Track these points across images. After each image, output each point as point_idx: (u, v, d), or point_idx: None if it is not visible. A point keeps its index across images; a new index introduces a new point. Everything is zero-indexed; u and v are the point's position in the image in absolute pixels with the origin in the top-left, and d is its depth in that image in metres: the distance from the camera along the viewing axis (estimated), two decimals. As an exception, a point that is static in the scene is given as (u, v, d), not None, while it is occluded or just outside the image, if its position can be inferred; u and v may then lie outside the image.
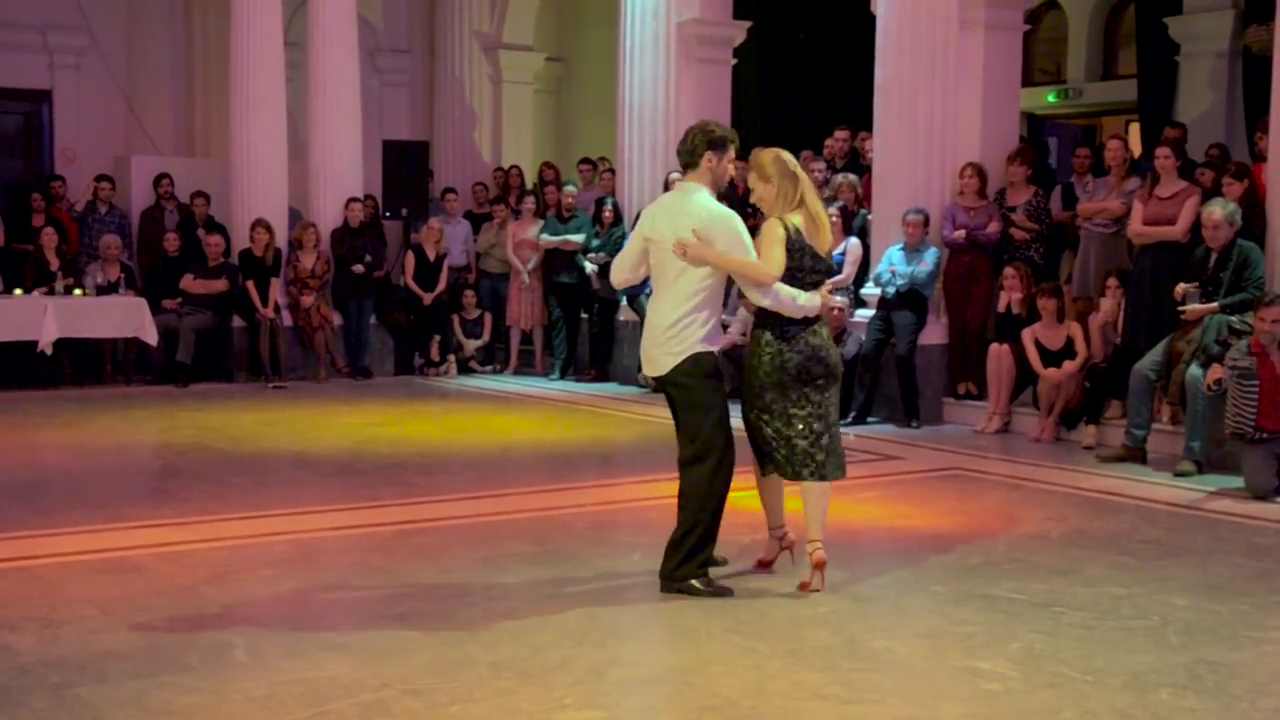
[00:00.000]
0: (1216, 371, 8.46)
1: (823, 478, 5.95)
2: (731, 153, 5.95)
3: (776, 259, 5.80)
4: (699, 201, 5.88)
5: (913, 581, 6.17)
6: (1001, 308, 10.98)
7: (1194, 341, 9.08)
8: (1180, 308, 9.22)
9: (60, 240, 13.80)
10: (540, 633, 5.23)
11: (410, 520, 7.36)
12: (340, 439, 10.38)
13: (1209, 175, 10.77)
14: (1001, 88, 11.67)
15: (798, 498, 6.09)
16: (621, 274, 6.20)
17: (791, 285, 5.84)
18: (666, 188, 13.15)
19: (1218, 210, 9.14)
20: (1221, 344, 8.80)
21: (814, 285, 5.90)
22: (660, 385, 6.04)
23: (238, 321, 14.01)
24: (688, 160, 5.95)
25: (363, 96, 15.14)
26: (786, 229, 5.83)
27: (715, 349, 5.92)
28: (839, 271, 6.20)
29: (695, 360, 5.84)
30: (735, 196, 11.70)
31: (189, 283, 13.78)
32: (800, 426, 5.90)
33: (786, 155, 5.97)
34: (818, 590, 5.89)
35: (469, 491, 8.30)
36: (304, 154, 14.82)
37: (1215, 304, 9.04)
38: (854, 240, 11.79)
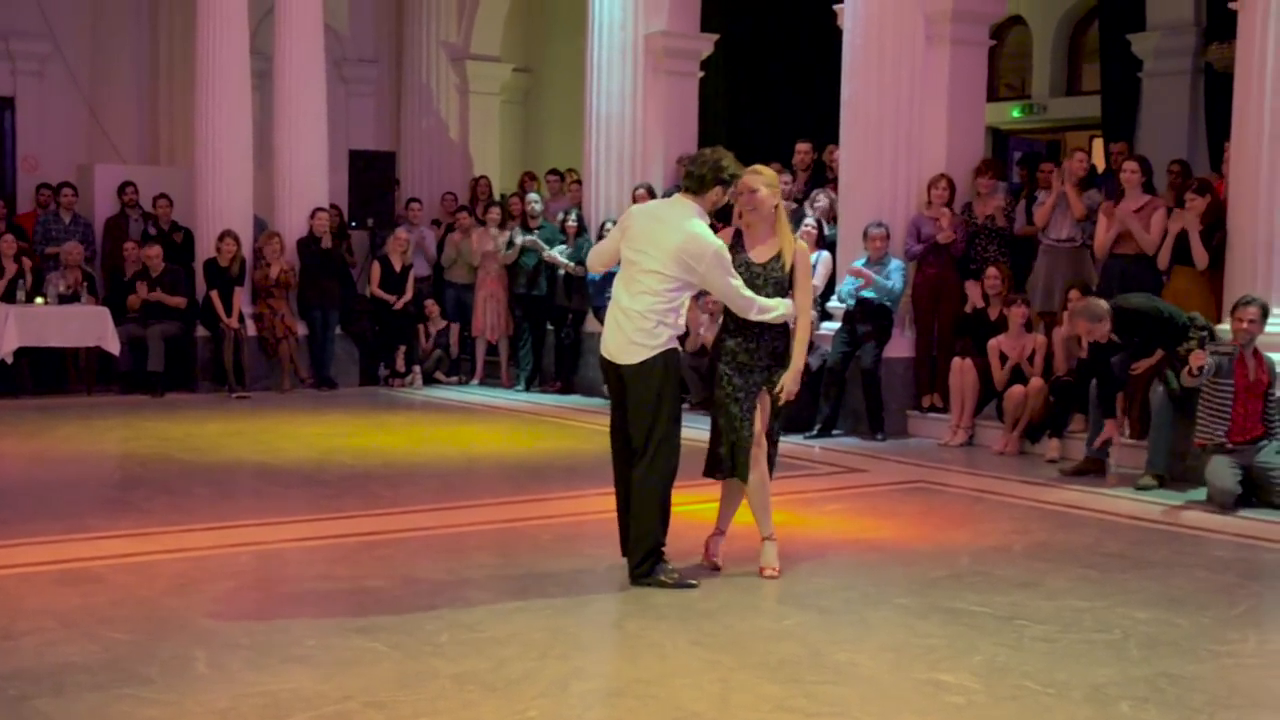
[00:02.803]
0: (1199, 358, 8.45)
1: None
2: (734, 190, 6.32)
3: (811, 296, 6.42)
4: (688, 223, 6.10)
5: (876, 594, 6.18)
6: (969, 307, 11.03)
7: (1148, 372, 9.18)
8: (1131, 368, 9.32)
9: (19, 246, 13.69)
10: (504, 645, 5.22)
11: (374, 532, 7.34)
12: (304, 450, 10.33)
13: (1171, 191, 10.91)
14: (967, 102, 11.75)
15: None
16: (598, 262, 6.61)
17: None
18: (634, 200, 13.19)
19: (1081, 321, 9.14)
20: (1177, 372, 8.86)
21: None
22: (616, 371, 6.20)
23: (201, 331, 13.93)
24: (695, 186, 6.19)
25: (329, 106, 15.09)
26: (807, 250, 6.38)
27: (679, 349, 6.24)
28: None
29: (665, 358, 6.11)
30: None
31: (135, 299, 13.64)
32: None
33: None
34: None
35: (434, 503, 8.26)
36: (269, 163, 14.75)
37: (1159, 352, 9.15)
38: (824, 254, 11.83)
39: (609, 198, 14.15)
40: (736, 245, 6.33)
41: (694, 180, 6.17)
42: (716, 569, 6.46)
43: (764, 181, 6.26)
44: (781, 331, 6.29)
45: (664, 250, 6.06)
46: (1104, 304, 9.09)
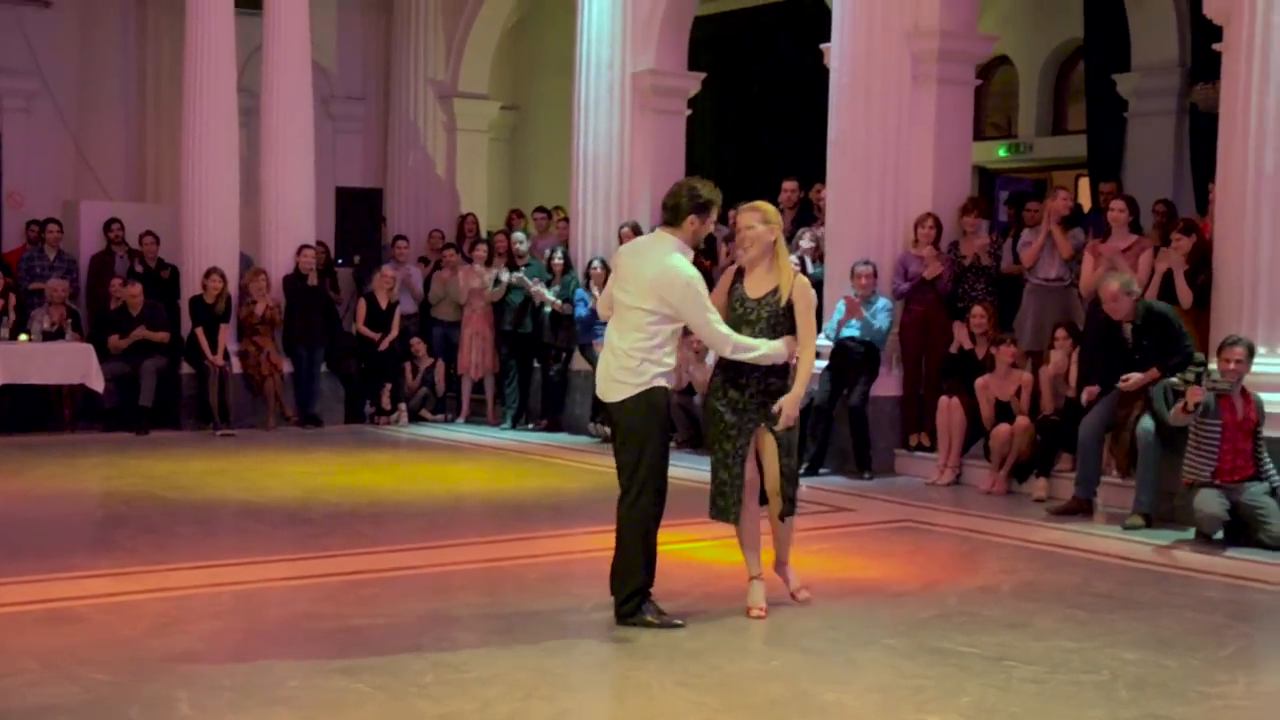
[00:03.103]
0: (1197, 394, 8.45)
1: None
2: (714, 215, 6.20)
3: (815, 332, 6.33)
4: (666, 256, 6.09)
5: (864, 634, 6.16)
6: (955, 348, 11.05)
7: (1135, 407, 9.17)
8: (1122, 380, 9.29)
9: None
10: (490, 686, 5.19)
11: (359, 571, 7.29)
12: (289, 488, 10.29)
13: (1157, 232, 10.94)
14: (953, 141, 11.80)
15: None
16: (604, 309, 6.51)
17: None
18: (620, 238, 13.23)
19: (1112, 283, 9.24)
20: (1169, 407, 8.87)
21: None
22: (608, 413, 6.24)
23: (186, 368, 13.90)
24: (671, 218, 6.17)
25: (316, 143, 15.12)
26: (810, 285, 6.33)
27: (670, 385, 6.15)
28: None
29: (650, 396, 6.05)
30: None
31: (116, 342, 13.59)
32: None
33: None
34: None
35: (419, 541, 8.23)
36: (256, 199, 14.77)
37: (1154, 371, 9.13)
38: (810, 291, 11.84)
39: (595, 236, 14.17)
40: (737, 281, 6.35)
41: (669, 212, 6.18)
42: (806, 601, 6.57)
43: (759, 217, 6.25)
44: (781, 371, 6.25)
45: (642, 285, 6.08)
46: (1138, 287, 9.15)
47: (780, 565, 6.62)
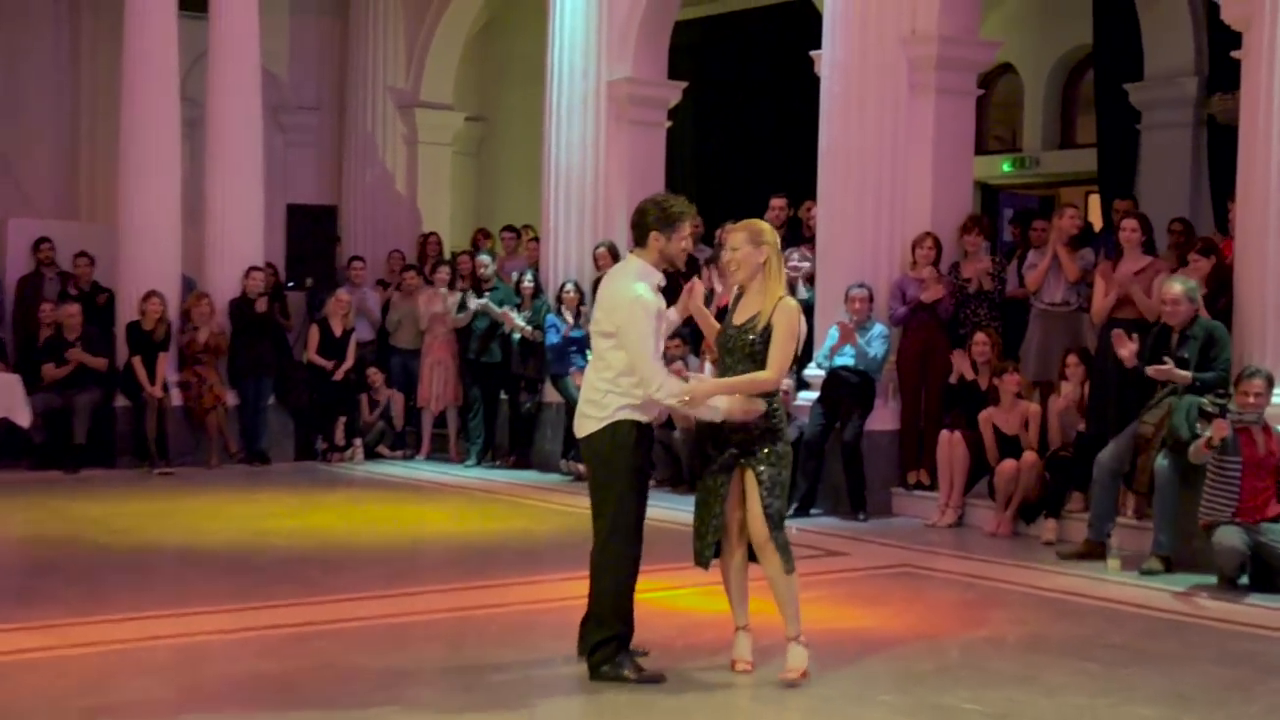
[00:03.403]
0: (1223, 428, 8.45)
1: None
2: (684, 229, 6.18)
3: (786, 360, 6.10)
4: (625, 279, 6.13)
5: (859, 690, 6.12)
6: (955, 378, 11.04)
7: (1162, 426, 9.14)
8: (1150, 367, 9.20)
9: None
10: (450, 749, 5.13)
11: (309, 622, 7.24)
12: (233, 531, 10.23)
13: (1174, 252, 10.96)
14: (954, 155, 11.83)
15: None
16: None
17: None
18: (595, 260, 13.22)
19: (1176, 286, 9.27)
20: (1191, 430, 8.86)
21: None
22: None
23: (122, 401, 13.81)
24: (636, 236, 6.21)
25: (266, 156, 15.09)
26: (801, 311, 6.18)
27: (644, 418, 6.07)
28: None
29: (614, 429, 6.02)
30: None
31: (50, 371, 13.51)
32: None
33: (776, 235, 6.30)
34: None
35: (375, 590, 8.17)
36: (200, 218, 14.72)
37: (1188, 374, 9.07)
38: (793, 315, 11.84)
39: (568, 257, 14.16)
40: (732, 306, 6.33)
41: (634, 231, 6.23)
42: (746, 670, 6.26)
43: (745, 237, 6.17)
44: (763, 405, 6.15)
45: (600, 310, 6.16)
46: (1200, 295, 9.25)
47: (788, 640, 6.22)
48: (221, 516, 10.93)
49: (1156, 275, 10.04)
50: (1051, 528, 10.13)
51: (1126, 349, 9.30)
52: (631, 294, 6.00)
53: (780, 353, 6.04)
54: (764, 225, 6.29)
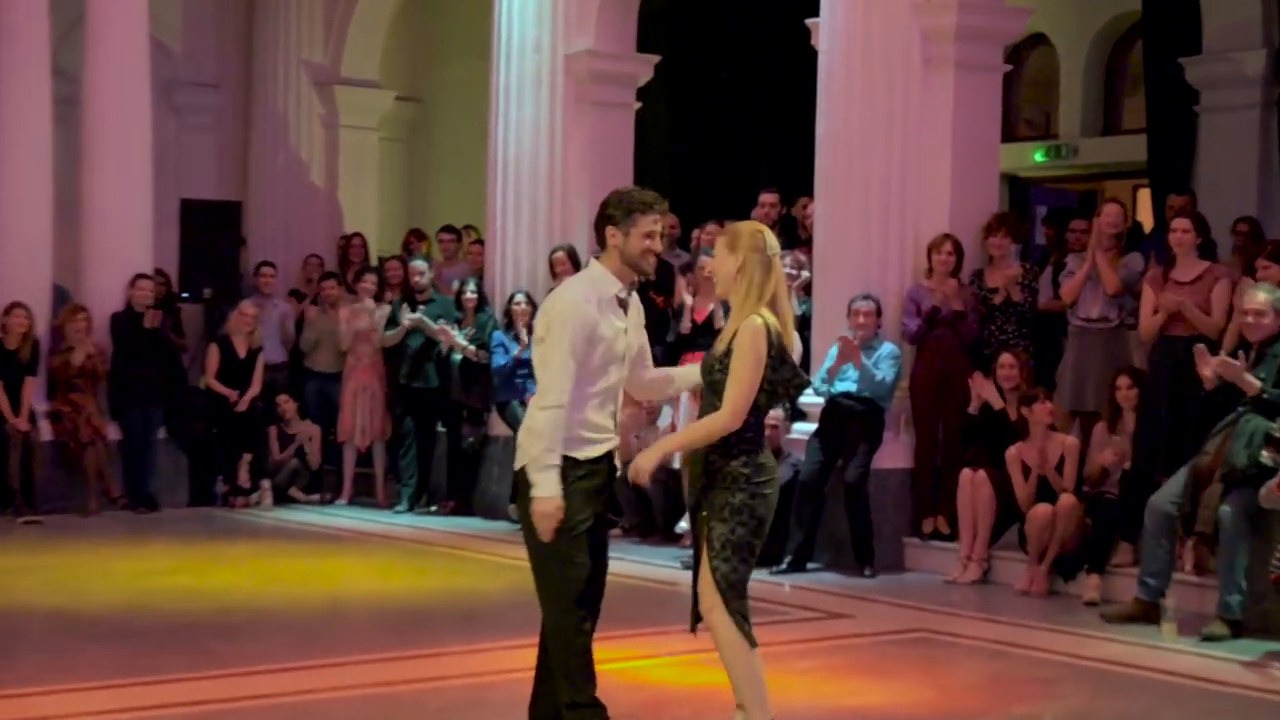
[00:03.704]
0: None
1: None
2: (645, 224, 6.10)
3: (743, 397, 5.92)
4: (562, 286, 6.23)
5: (867, 780, 6.12)
6: (975, 407, 11.05)
7: (1224, 453, 9.14)
8: (1217, 358, 9.16)
9: None
10: None
11: (205, 700, 7.19)
12: (115, 591, 10.19)
13: (1239, 257, 11.03)
14: (976, 143, 11.89)
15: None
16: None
17: (771, 402, 6.04)
18: (551, 266, 13.21)
19: (1261, 295, 9.29)
20: (1253, 459, 8.86)
21: (788, 399, 6.12)
22: None
23: (-20, 435, 13.78)
24: (598, 237, 6.20)
25: (155, 142, 15.07)
26: (769, 331, 5.96)
27: (589, 453, 5.99)
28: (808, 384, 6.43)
29: None
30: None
31: None
32: None
33: (770, 237, 6.14)
34: None
35: (285, 661, 8.14)
36: (75, 216, 14.67)
37: (1257, 381, 9.05)
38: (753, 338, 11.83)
39: (518, 262, 14.17)
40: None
41: (596, 232, 6.22)
42: None
43: (723, 242, 6.16)
44: (721, 445, 6.03)
45: (539, 320, 6.18)
46: None
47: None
48: (101, 574, 10.87)
49: (1215, 284, 10.08)
50: (1094, 585, 10.15)
51: (1210, 368, 9.28)
52: (563, 301, 6.04)
53: (737, 388, 5.94)
54: (746, 227, 6.22)
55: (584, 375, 5.99)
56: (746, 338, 5.95)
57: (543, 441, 5.89)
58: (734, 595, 5.99)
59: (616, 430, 6.09)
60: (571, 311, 5.96)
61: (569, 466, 5.97)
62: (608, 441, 6.04)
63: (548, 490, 5.86)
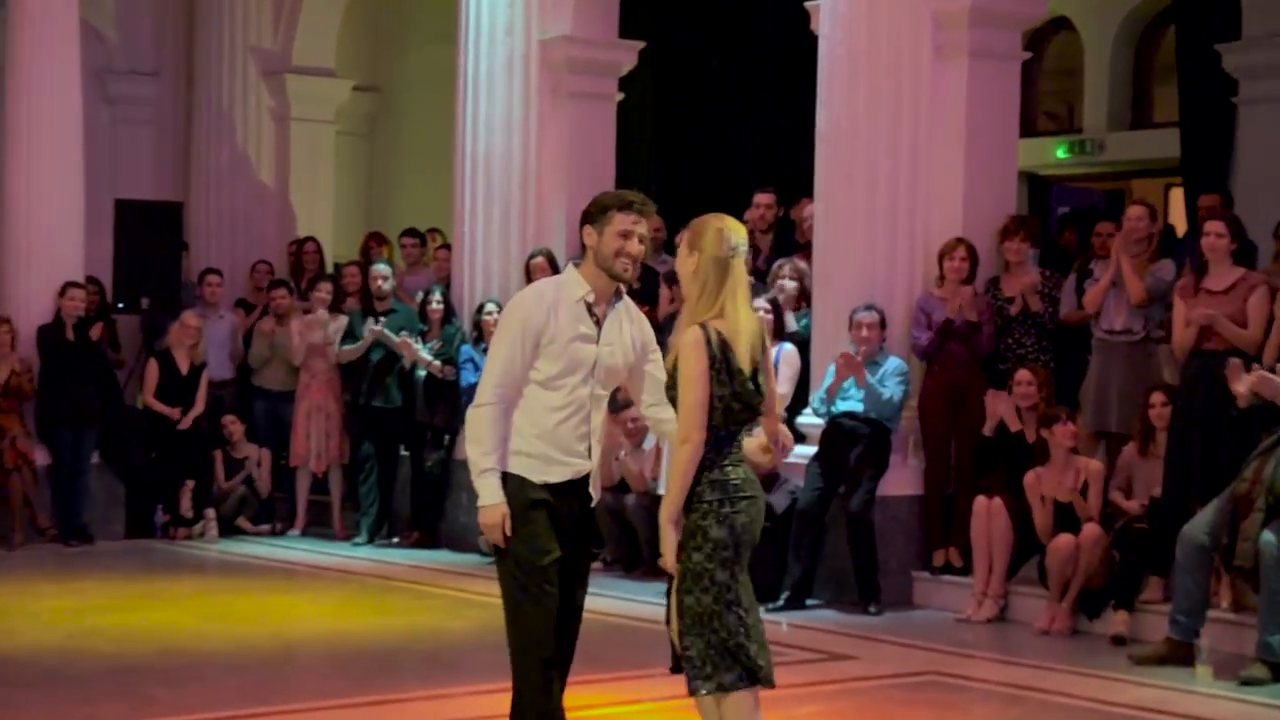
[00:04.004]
0: None
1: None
2: (619, 221, 6.12)
3: (692, 410, 5.85)
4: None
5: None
6: (990, 428, 11.09)
7: (1261, 480, 9.19)
8: (1254, 373, 9.23)
9: None
10: None
11: (145, 751, 7.23)
12: (43, 632, 10.19)
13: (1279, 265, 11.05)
14: (992, 138, 11.95)
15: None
16: None
17: (729, 420, 5.93)
18: (527, 272, 13.19)
19: None
20: None
21: (741, 427, 6.00)
22: None
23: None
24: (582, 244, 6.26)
25: (88, 137, 15.08)
26: (709, 343, 5.88)
27: (548, 478, 6.04)
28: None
29: (503, 482, 6.06)
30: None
31: None
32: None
33: (734, 234, 6.04)
34: None
35: (232, 707, 8.15)
36: (-1, 218, 14.71)
37: None
38: (788, 347, 11.89)
39: (488, 269, 14.19)
40: None
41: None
42: None
43: (686, 239, 6.11)
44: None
45: None
46: None
47: None
48: (28, 613, 10.87)
49: (1251, 293, 10.07)
50: (1122, 622, 10.19)
51: (1244, 384, 9.33)
52: (513, 299, 6.26)
53: (683, 410, 5.89)
54: (709, 224, 6.09)
55: (539, 383, 6.06)
56: (683, 354, 5.90)
57: (477, 446, 5.99)
58: (697, 676, 5.87)
59: (592, 455, 6.11)
60: (516, 308, 6.12)
61: (524, 486, 6.02)
62: (574, 466, 6.06)
63: (488, 498, 5.93)
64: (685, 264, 6.04)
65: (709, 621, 5.83)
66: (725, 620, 5.81)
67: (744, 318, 6.00)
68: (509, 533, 5.89)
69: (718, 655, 5.82)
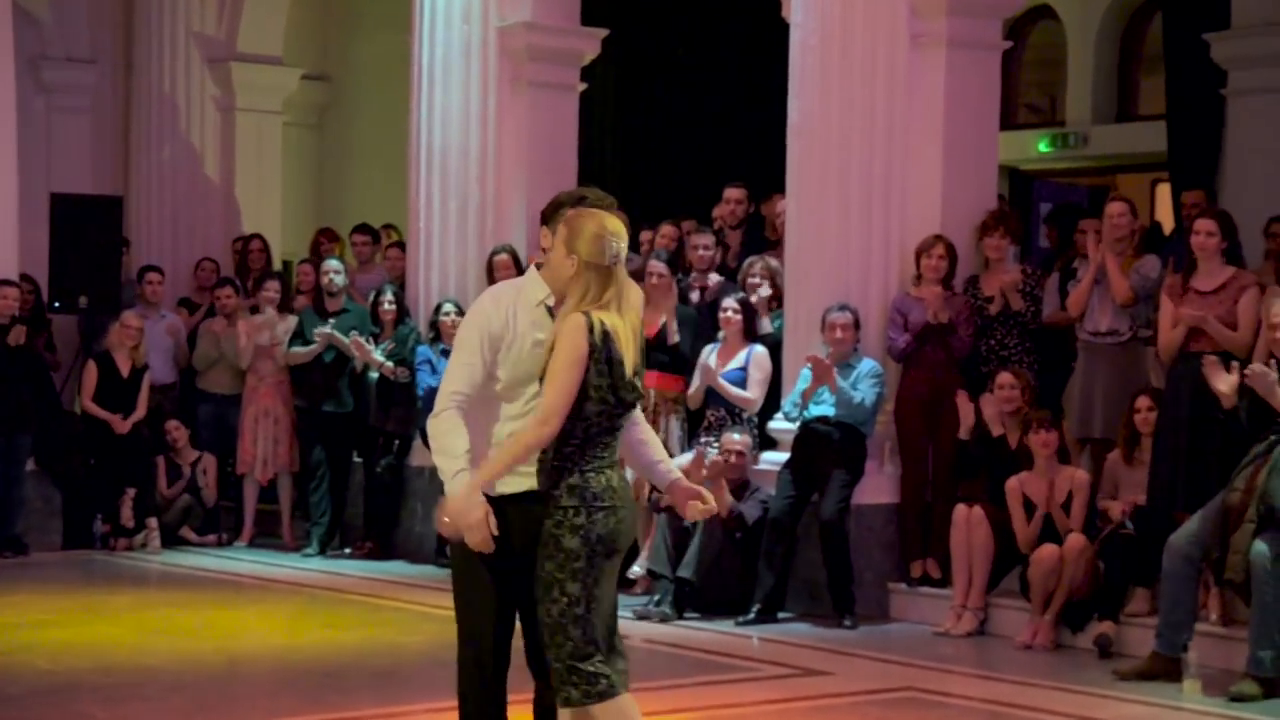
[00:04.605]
0: None
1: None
2: (575, 225, 6.11)
3: (559, 392, 5.82)
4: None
5: None
6: (966, 432, 11.12)
7: (1254, 490, 9.22)
8: (1228, 389, 9.28)
9: None
10: None
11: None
12: (-24, 648, 10.17)
13: (1272, 263, 11.08)
14: (972, 131, 11.99)
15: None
16: None
17: (603, 414, 5.92)
18: (489, 270, 13.16)
19: None
20: None
21: (612, 435, 6.00)
22: None
23: None
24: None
25: (21, 127, 15.01)
26: (591, 329, 5.86)
27: (503, 489, 6.00)
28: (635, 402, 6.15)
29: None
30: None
31: None
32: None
33: (615, 240, 5.97)
34: None
35: (177, 727, 8.15)
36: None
37: None
38: (759, 349, 11.90)
39: (445, 268, 14.18)
40: None
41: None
42: None
43: (561, 234, 6.04)
44: (543, 464, 5.99)
45: None
46: None
47: None
48: (-40, 628, 10.86)
49: (1241, 293, 10.10)
50: (1106, 628, 10.22)
51: (1225, 383, 9.37)
52: (474, 301, 6.30)
53: (550, 389, 5.84)
54: (587, 226, 5.95)
55: (496, 391, 6.05)
56: (561, 338, 5.86)
57: (444, 456, 5.96)
58: (564, 681, 5.87)
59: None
60: (475, 313, 6.15)
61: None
62: (530, 479, 5.97)
63: (471, 495, 5.86)
64: (564, 265, 5.96)
65: (555, 634, 5.85)
66: (571, 633, 5.82)
67: (629, 322, 5.99)
68: (494, 531, 5.87)
69: (564, 669, 5.84)
